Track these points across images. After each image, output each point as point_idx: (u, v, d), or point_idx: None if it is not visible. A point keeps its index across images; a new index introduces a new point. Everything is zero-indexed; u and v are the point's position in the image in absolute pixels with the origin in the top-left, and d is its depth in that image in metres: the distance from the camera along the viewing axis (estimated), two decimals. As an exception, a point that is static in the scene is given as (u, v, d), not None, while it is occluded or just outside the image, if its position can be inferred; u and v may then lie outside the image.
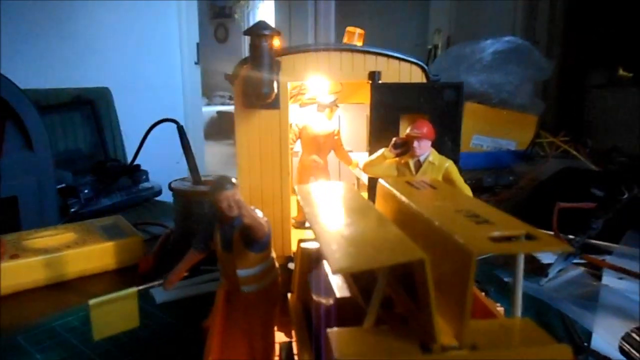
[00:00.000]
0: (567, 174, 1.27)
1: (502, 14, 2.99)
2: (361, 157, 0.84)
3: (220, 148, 5.35)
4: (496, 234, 0.30)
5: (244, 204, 0.44)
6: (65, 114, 1.77)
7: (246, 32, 0.53)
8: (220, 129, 6.03)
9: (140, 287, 0.47)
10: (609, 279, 0.82)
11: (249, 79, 0.56)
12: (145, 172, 1.35)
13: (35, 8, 2.17)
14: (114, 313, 0.43)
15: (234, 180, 0.45)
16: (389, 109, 0.57)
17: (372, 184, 0.57)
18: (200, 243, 0.48)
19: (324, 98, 0.72)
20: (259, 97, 0.56)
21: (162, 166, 1.51)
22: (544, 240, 0.29)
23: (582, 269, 0.86)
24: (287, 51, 0.58)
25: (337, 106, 0.72)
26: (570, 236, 0.91)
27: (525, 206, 1.14)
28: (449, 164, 0.56)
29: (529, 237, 0.29)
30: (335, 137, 0.73)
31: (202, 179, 0.96)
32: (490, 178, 1.25)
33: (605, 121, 2.44)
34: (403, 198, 0.38)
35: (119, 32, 2.55)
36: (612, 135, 2.32)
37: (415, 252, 0.27)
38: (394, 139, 0.56)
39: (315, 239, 0.45)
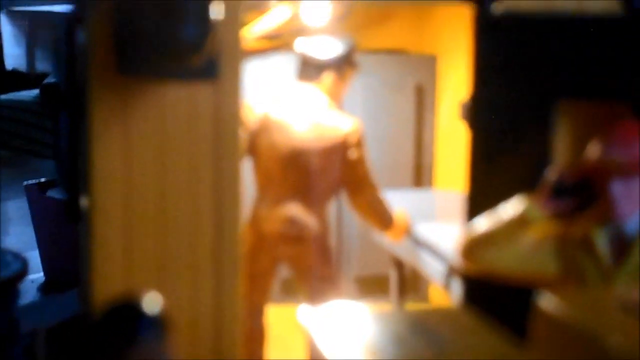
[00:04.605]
0: None
1: None
2: (400, 198, 0.47)
3: None
4: None
5: None
6: None
7: None
8: None
9: None
10: None
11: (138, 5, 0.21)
12: None
13: None
14: None
15: (154, 303, 0.27)
16: (525, 85, 0.24)
17: (480, 292, 0.23)
18: None
19: (320, 45, 0.37)
20: (170, 50, 0.23)
21: None
22: None
23: None
24: None
25: (353, 67, 0.38)
26: None
27: None
28: None
29: None
30: (352, 156, 0.37)
31: None
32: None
33: None
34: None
35: None
36: None
37: None
38: (552, 171, 0.24)
39: None
